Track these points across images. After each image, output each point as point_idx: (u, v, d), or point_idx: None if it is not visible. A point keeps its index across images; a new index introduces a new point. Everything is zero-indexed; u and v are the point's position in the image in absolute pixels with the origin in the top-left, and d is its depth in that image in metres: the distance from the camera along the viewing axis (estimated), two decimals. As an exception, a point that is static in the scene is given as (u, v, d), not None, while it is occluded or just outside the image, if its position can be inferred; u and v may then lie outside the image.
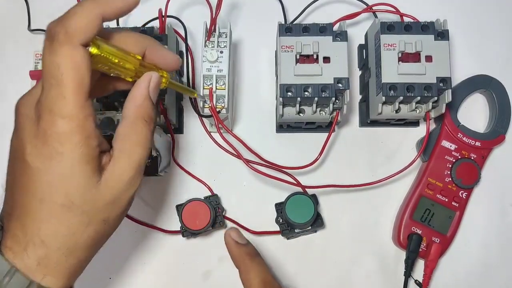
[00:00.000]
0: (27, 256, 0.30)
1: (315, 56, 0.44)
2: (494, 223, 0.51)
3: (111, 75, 0.32)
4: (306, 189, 0.49)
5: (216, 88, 0.44)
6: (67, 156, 0.29)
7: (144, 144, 0.32)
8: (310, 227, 0.49)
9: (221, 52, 0.44)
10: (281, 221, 0.49)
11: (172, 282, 0.50)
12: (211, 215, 0.47)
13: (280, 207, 0.49)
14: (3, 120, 0.53)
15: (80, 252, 0.32)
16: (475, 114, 0.52)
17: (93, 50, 0.29)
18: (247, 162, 0.47)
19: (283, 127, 0.52)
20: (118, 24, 0.51)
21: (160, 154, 0.46)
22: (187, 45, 0.49)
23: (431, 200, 0.49)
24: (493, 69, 0.52)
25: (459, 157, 0.49)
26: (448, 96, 0.44)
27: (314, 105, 0.45)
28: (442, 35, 0.45)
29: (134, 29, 0.46)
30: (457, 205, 0.49)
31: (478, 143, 0.49)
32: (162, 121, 0.48)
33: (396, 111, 0.47)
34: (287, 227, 0.49)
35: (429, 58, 0.44)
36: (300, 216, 0.47)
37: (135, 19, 0.54)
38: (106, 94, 0.35)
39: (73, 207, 0.30)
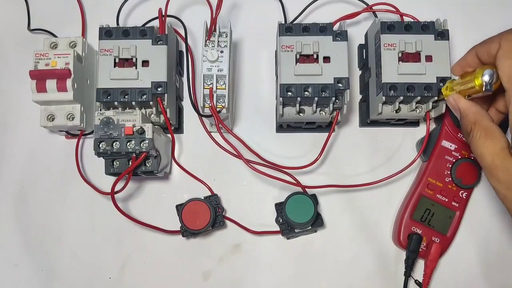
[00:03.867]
0: None
1: (315, 56, 0.44)
2: (494, 223, 0.51)
3: None
4: (306, 189, 0.49)
5: (217, 88, 0.44)
6: None
7: None
8: (310, 227, 0.49)
9: (222, 51, 0.44)
10: (281, 221, 0.49)
11: (172, 282, 0.50)
12: (211, 215, 0.47)
13: (280, 207, 0.49)
14: (3, 119, 0.53)
15: None
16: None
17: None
18: (247, 162, 0.47)
19: (283, 127, 0.52)
20: (118, 24, 0.51)
21: (160, 154, 0.46)
22: (187, 45, 0.49)
23: (431, 200, 0.49)
24: (493, 69, 0.52)
25: (459, 157, 0.49)
26: (448, 96, 0.44)
27: (314, 105, 0.45)
28: (442, 35, 0.45)
29: (134, 28, 0.46)
30: (457, 205, 0.49)
31: (478, 143, 0.49)
32: (162, 121, 0.48)
33: (396, 111, 0.47)
34: (287, 227, 0.49)
35: (429, 58, 0.44)
36: (300, 216, 0.47)
37: (135, 19, 0.54)
38: None
39: None
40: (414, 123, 0.52)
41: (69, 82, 0.45)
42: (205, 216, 0.47)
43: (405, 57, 0.45)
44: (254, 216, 0.51)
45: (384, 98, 0.44)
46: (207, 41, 0.45)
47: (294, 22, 0.52)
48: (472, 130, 0.35)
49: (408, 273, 0.48)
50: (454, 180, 0.49)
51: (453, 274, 0.50)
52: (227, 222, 0.50)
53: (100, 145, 0.43)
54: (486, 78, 0.34)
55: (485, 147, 0.34)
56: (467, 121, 0.36)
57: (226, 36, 0.45)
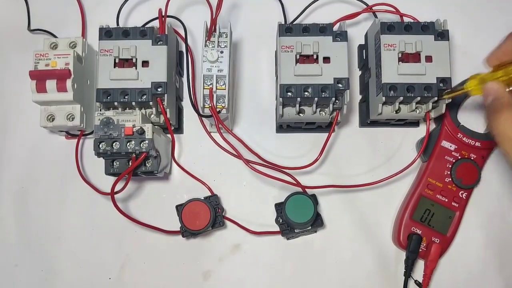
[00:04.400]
0: None
1: (315, 56, 0.44)
2: (494, 223, 0.51)
3: None
4: (306, 189, 0.49)
5: (216, 88, 0.44)
6: None
7: None
8: (310, 227, 0.49)
9: (222, 52, 0.44)
10: (281, 221, 0.49)
11: (172, 282, 0.50)
12: (211, 215, 0.47)
13: (280, 207, 0.49)
14: (3, 120, 0.53)
15: None
16: (475, 114, 0.52)
17: None
18: (247, 162, 0.47)
19: (283, 127, 0.52)
20: (118, 24, 0.51)
21: (160, 154, 0.46)
22: (187, 45, 0.49)
23: (431, 200, 0.49)
24: (493, 69, 0.52)
25: (459, 157, 0.49)
26: (448, 96, 0.44)
27: (314, 105, 0.45)
28: (442, 35, 0.45)
29: (134, 29, 0.46)
30: (457, 205, 0.49)
31: (478, 143, 0.49)
32: (162, 121, 0.48)
33: (396, 111, 0.47)
34: (287, 227, 0.49)
35: (429, 58, 0.44)
36: (300, 216, 0.47)
37: (135, 19, 0.54)
38: None
39: None
40: (414, 123, 0.52)
41: (69, 83, 0.45)
42: (205, 217, 0.47)
43: (405, 58, 0.45)
44: (254, 216, 0.51)
45: (384, 98, 0.44)
46: (207, 41, 0.45)
47: (294, 23, 0.52)
48: (504, 111, 0.36)
49: (408, 273, 0.48)
50: (454, 180, 0.49)
51: (453, 274, 0.50)
52: (227, 222, 0.50)
53: (100, 145, 0.43)
54: None
55: None
56: (500, 103, 0.36)
57: (226, 37, 0.45)
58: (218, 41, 0.45)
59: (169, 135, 0.51)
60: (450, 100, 0.44)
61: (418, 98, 0.44)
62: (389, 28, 0.45)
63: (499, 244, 0.51)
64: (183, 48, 0.52)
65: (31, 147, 0.52)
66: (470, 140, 0.49)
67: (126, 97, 0.44)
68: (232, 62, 0.48)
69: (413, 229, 0.49)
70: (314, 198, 0.48)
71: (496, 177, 0.51)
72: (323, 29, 0.45)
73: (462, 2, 0.55)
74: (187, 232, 0.48)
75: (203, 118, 0.51)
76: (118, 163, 0.45)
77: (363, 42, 0.52)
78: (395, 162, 0.51)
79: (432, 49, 0.44)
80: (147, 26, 0.49)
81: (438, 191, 0.49)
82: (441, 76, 0.44)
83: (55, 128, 0.48)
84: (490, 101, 0.37)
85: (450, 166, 0.49)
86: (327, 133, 0.48)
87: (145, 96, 0.44)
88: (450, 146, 0.50)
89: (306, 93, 0.44)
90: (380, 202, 0.51)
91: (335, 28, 0.46)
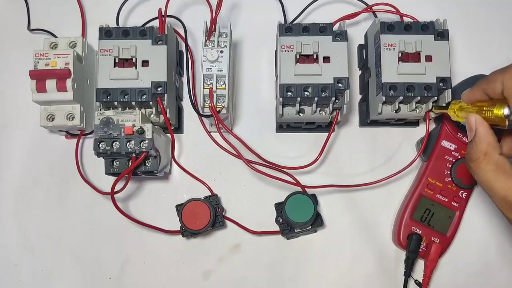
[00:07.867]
0: None
1: (315, 56, 0.44)
2: (494, 223, 0.51)
3: None
4: (306, 189, 0.49)
5: (216, 88, 0.44)
6: None
7: None
8: (310, 227, 0.49)
9: (221, 51, 0.44)
10: (281, 221, 0.49)
11: (172, 282, 0.50)
12: (211, 215, 0.47)
13: (280, 207, 0.49)
14: (3, 120, 0.53)
15: None
16: (475, 114, 0.52)
17: None
18: (247, 162, 0.47)
19: (283, 127, 0.52)
20: (118, 24, 0.51)
21: (160, 154, 0.46)
22: (187, 45, 0.49)
23: (431, 200, 0.49)
24: (493, 69, 0.52)
25: (459, 157, 0.49)
26: (448, 95, 0.44)
27: (314, 105, 0.45)
28: (442, 35, 0.45)
29: (134, 28, 0.46)
30: (457, 205, 0.49)
31: (478, 143, 0.49)
32: (162, 121, 0.48)
33: (396, 111, 0.47)
34: (287, 227, 0.49)
35: (429, 58, 0.44)
36: (300, 215, 0.47)
37: (135, 19, 0.54)
38: None
39: None
40: (414, 123, 0.52)
41: (69, 82, 0.45)
42: (205, 216, 0.47)
43: (405, 57, 0.45)
44: (254, 216, 0.51)
45: (384, 98, 0.44)
46: (207, 41, 0.45)
47: (294, 22, 0.52)
48: (480, 161, 0.34)
49: (408, 273, 0.48)
50: (454, 180, 0.49)
51: (453, 274, 0.50)
52: (227, 222, 0.50)
53: (100, 145, 0.43)
54: (506, 111, 0.33)
55: (496, 181, 0.33)
56: (478, 149, 0.34)
57: (226, 36, 0.45)
58: (218, 41, 0.45)
59: (169, 135, 0.51)
60: (450, 99, 0.44)
61: (418, 98, 0.44)
62: (389, 27, 0.45)
63: (499, 244, 0.51)
64: (183, 48, 0.52)
65: (31, 147, 0.52)
66: (470, 140, 0.49)
67: (126, 96, 0.44)
68: (232, 62, 0.48)
69: (413, 229, 0.49)
70: (314, 198, 0.48)
71: (496, 177, 0.51)
72: (323, 29, 0.45)
73: (462, 2, 0.55)
74: (187, 232, 0.48)
75: (203, 118, 0.51)
76: (118, 163, 0.45)
77: (363, 42, 0.52)
78: (395, 162, 0.51)
79: (432, 48, 0.45)
80: (147, 26, 0.49)
81: (438, 191, 0.49)
82: (441, 75, 0.44)
83: (55, 127, 0.48)
84: (469, 139, 0.35)
85: (450, 165, 0.49)
86: (327, 133, 0.48)
87: (145, 96, 0.44)
88: (450, 146, 0.50)
89: (306, 92, 0.44)
90: (380, 202, 0.51)
91: (335, 28, 0.46)
